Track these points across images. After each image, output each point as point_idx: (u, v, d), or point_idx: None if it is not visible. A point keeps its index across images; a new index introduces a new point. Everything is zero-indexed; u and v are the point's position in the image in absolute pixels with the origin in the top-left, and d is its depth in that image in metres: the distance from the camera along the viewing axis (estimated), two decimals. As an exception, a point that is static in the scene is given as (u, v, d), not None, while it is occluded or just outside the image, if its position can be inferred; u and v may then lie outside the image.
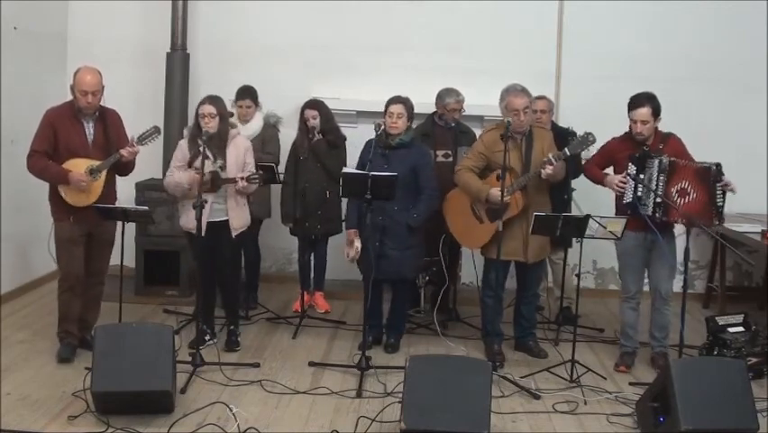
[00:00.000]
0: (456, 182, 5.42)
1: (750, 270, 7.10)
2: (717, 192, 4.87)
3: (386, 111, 5.35)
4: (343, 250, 5.55)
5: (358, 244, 5.40)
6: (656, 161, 4.96)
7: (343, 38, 7.04)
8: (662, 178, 4.95)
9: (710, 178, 4.86)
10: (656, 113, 5.04)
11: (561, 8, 7.04)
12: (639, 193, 5.00)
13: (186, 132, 5.47)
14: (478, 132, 5.98)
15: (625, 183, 5.04)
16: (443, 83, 6.09)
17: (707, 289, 7.04)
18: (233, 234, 5.26)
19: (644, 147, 5.05)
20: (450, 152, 5.95)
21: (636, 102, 5.05)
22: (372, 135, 5.37)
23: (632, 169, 5.02)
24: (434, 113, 6.08)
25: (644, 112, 5.01)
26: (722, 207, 4.91)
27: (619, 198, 5.13)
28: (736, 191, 4.89)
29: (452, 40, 6.99)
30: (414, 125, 5.55)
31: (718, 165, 4.88)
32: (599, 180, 5.28)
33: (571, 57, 7.03)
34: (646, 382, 4.79)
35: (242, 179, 5.11)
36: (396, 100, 5.36)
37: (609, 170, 5.29)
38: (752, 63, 6.94)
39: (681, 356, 4.83)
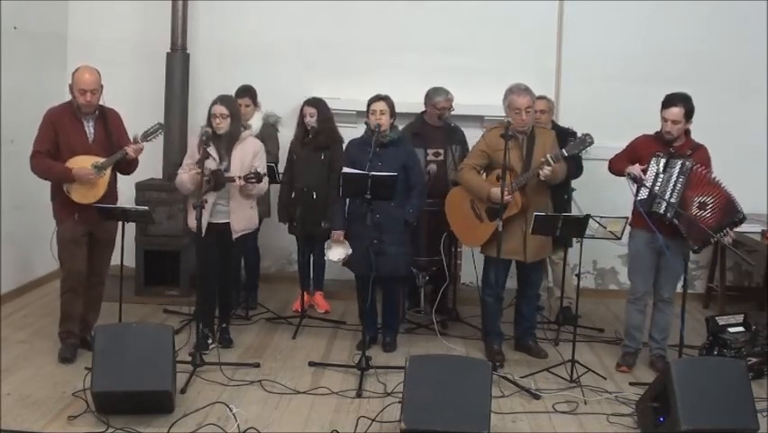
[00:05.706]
0: (458, 180, 5.43)
1: (750, 270, 7.09)
2: (723, 233, 4.90)
3: (368, 110, 5.35)
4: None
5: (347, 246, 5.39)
6: (679, 163, 4.91)
7: (343, 38, 7.04)
8: (681, 180, 4.90)
9: (732, 218, 4.89)
10: (689, 115, 4.98)
11: (561, 8, 7.04)
12: (656, 190, 4.94)
13: (200, 131, 5.45)
14: (478, 132, 5.98)
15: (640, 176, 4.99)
16: (444, 83, 6.10)
17: (707, 289, 7.04)
18: (234, 236, 5.21)
19: (670, 148, 5.00)
20: (440, 151, 5.96)
21: (670, 101, 4.99)
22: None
23: (652, 169, 4.96)
24: (423, 112, 6.09)
25: (677, 111, 4.95)
26: (714, 242, 5.03)
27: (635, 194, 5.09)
28: (727, 243, 4.97)
29: (452, 40, 6.97)
30: (402, 125, 5.55)
31: (745, 217, 4.96)
32: (622, 172, 5.13)
33: (570, 57, 7.02)
34: (646, 382, 4.79)
35: (240, 178, 5.06)
36: (377, 98, 5.36)
37: None
38: (752, 63, 6.93)
39: (681, 356, 4.83)
